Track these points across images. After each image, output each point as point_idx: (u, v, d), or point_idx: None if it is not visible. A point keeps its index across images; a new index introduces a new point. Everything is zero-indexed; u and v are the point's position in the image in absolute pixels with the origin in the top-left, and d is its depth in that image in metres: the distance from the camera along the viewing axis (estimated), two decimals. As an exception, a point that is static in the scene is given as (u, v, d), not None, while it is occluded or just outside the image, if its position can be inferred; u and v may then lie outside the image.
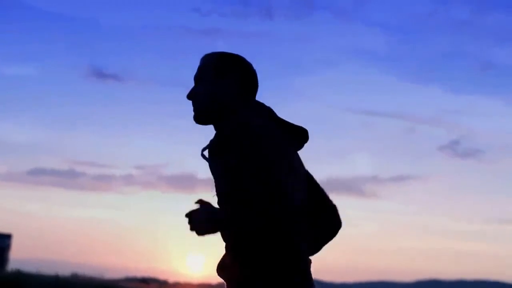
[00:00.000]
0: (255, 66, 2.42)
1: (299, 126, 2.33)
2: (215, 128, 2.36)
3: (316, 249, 2.35)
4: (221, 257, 2.30)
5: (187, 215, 2.14)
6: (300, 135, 2.34)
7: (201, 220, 2.12)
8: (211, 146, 2.31)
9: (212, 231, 2.14)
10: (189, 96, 2.38)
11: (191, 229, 2.13)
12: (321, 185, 2.40)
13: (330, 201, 2.38)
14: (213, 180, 2.31)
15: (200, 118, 2.36)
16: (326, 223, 2.35)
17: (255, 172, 2.13)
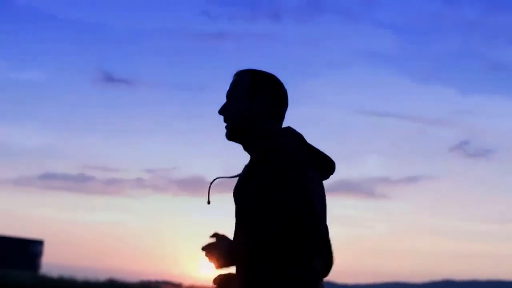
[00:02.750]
0: (263, 68, 2.44)
1: (327, 156, 2.34)
2: (245, 148, 2.39)
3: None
4: (224, 274, 2.32)
5: (204, 249, 2.21)
6: (327, 165, 2.34)
7: (220, 254, 2.17)
8: (247, 167, 2.34)
9: (231, 264, 2.21)
10: (221, 112, 2.39)
11: (210, 261, 2.19)
12: (333, 186, 2.44)
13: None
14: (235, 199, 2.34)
15: (232, 135, 2.38)
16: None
17: (288, 197, 2.15)
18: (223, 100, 2.43)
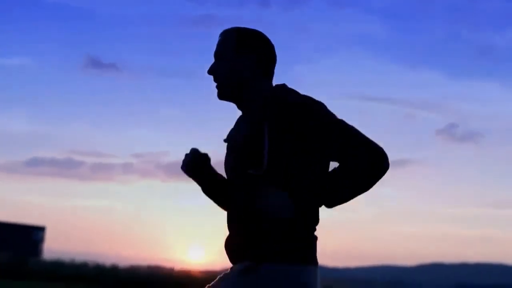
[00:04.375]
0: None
1: None
2: (238, 106, 2.41)
3: (349, 196, 2.28)
4: (228, 235, 2.35)
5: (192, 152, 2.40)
6: None
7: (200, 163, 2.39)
8: (251, 115, 2.36)
9: (198, 175, 2.42)
10: (209, 72, 2.40)
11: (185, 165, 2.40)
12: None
13: (367, 145, 2.25)
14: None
15: (223, 93, 2.38)
16: (359, 169, 2.23)
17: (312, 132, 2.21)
18: (211, 85, 2.43)
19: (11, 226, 33.01)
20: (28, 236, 32.34)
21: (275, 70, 2.41)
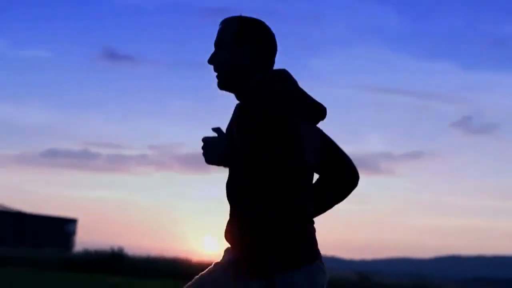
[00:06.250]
0: None
1: (319, 102, 2.29)
2: (237, 97, 2.37)
3: (326, 208, 2.30)
4: (227, 223, 2.34)
5: (204, 140, 2.22)
6: (319, 110, 2.27)
7: (219, 149, 2.19)
8: (240, 105, 2.36)
9: (224, 162, 2.22)
10: (210, 61, 2.37)
11: (206, 155, 2.20)
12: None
13: (344, 161, 2.26)
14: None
15: (223, 82, 2.35)
16: (337, 182, 2.25)
17: (275, 127, 2.17)
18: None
19: (43, 218, 32.78)
20: (61, 229, 32.23)
21: (279, 60, 2.39)
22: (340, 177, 2.23)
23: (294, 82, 2.28)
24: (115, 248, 21.14)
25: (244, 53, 2.33)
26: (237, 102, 2.40)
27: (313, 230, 2.28)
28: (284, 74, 2.30)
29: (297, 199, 2.22)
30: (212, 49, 2.40)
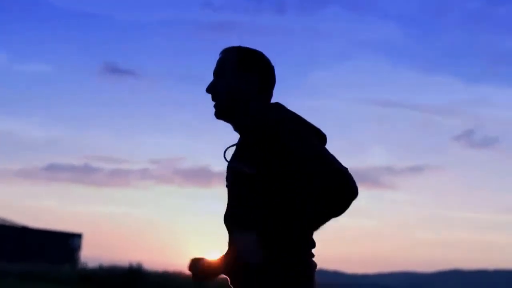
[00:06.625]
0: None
1: (318, 129, 2.28)
2: (234, 127, 2.36)
3: (323, 221, 2.19)
4: (225, 254, 2.28)
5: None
6: (320, 136, 2.28)
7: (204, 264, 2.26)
8: (238, 144, 2.34)
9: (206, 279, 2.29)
10: (208, 90, 2.35)
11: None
12: None
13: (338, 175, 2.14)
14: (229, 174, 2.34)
15: (221, 112, 2.34)
16: (333, 195, 2.12)
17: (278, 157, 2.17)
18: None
19: (47, 233, 32.66)
20: (65, 244, 32.09)
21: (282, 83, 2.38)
22: (337, 190, 2.11)
23: (292, 112, 2.28)
24: (134, 264, 21.18)
25: (244, 83, 2.32)
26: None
27: (313, 266, 2.24)
28: (281, 105, 2.31)
29: (298, 239, 2.19)
30: (211, 65, 2.43)
